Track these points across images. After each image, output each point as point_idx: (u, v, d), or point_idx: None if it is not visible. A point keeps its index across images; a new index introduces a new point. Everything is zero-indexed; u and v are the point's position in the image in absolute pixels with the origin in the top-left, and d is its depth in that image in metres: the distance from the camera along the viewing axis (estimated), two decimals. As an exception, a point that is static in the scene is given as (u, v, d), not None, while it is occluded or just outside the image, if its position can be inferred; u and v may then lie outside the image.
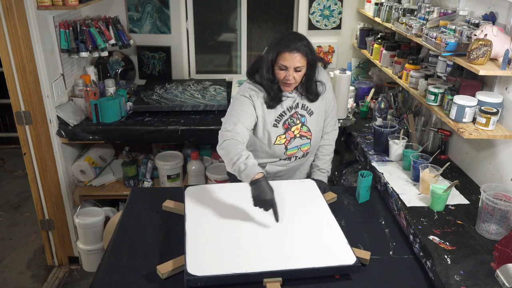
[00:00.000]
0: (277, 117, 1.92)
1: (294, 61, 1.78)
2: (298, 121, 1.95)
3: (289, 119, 1.94)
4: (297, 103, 1.95)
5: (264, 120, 1.91)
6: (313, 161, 2.17)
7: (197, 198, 1.83)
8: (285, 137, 1.94)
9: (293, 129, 1.95)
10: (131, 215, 1.86)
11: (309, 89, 1.92)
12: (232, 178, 2.16)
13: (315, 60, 1.86)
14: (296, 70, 1.80)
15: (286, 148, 1.96)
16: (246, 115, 1.84)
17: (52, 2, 2.45)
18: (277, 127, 1.93)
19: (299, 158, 2.04)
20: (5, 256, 3.04)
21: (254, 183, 1.59)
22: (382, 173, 2.08)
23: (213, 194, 1.87)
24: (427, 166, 1.90)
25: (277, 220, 1.62)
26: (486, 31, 1.67)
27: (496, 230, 1.59)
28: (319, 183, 2.01)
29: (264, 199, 1.56)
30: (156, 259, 1.56)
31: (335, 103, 2.11)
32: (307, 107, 1.97)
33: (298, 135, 1.96)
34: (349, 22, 3.30)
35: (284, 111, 1.93)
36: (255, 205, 1.60)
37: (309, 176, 2.20)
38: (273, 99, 1.88)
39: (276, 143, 1.94)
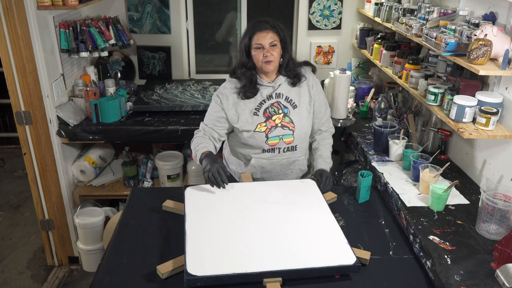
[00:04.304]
0: (257, 105, 2.01)
1: (267, 37, 1.93)
2: (280, 111, 2.01)
3: (269, 108, 2.01)
4: (280, 93, 2.02)
5: (236, 111, 2.01)
6: (315, 153, 2.14)
7: (197, 198, 1.84)
8: (265, 125, 2.00)
9: (274, 117, 2.01)
10: (131, 215, 1.86)
11: (288, 67, 2.01)
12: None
13: (286, 36, 2.00)
14: (271, 45, 1.94)
15: (267, 136, 2.01)
16: (213, 115, 2.05)
17: (52, 2, 2.45)
18: (258, 115, 2.00)
19: (283, 151, 2.05)
20: (5, 256, 3.04)
21: (201, 162, 1.91)
22: (382, 173, 2.08)
23: (213, 194, 1.87)
24: (427, 166, 1.90)
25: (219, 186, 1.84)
26: (486, 31, 1.67)
27: (496, 230, 1.59)
28: (322, 172, 2.01)
29: (205, 171, 1.84)
30: (156, 259, 1.56)
31: (326, 103, 2.15)
32: (291, 99, 2.03)
33: (279, 125, 2.01)
34: (349, 22, 3.30)
35: (263, 100, 2.01)
36: (206, 181, 1.87)
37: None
38: (247, 86, 1.99)
39: (256, 130, 2.00)
